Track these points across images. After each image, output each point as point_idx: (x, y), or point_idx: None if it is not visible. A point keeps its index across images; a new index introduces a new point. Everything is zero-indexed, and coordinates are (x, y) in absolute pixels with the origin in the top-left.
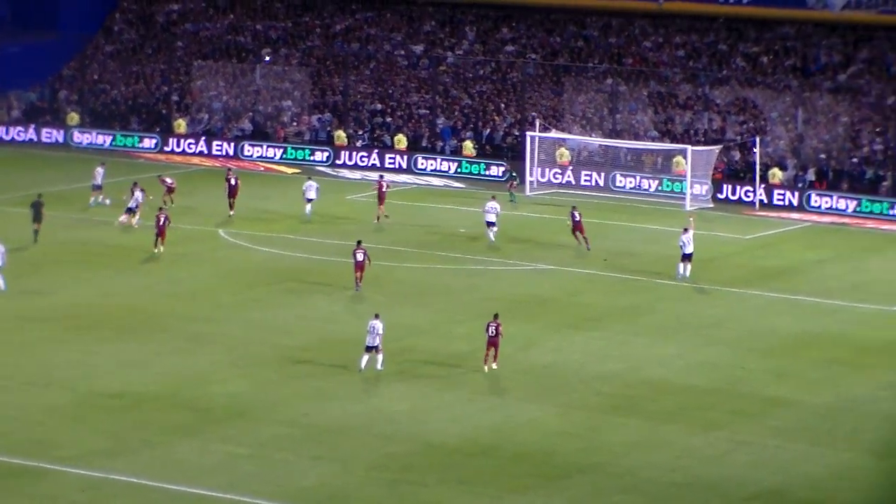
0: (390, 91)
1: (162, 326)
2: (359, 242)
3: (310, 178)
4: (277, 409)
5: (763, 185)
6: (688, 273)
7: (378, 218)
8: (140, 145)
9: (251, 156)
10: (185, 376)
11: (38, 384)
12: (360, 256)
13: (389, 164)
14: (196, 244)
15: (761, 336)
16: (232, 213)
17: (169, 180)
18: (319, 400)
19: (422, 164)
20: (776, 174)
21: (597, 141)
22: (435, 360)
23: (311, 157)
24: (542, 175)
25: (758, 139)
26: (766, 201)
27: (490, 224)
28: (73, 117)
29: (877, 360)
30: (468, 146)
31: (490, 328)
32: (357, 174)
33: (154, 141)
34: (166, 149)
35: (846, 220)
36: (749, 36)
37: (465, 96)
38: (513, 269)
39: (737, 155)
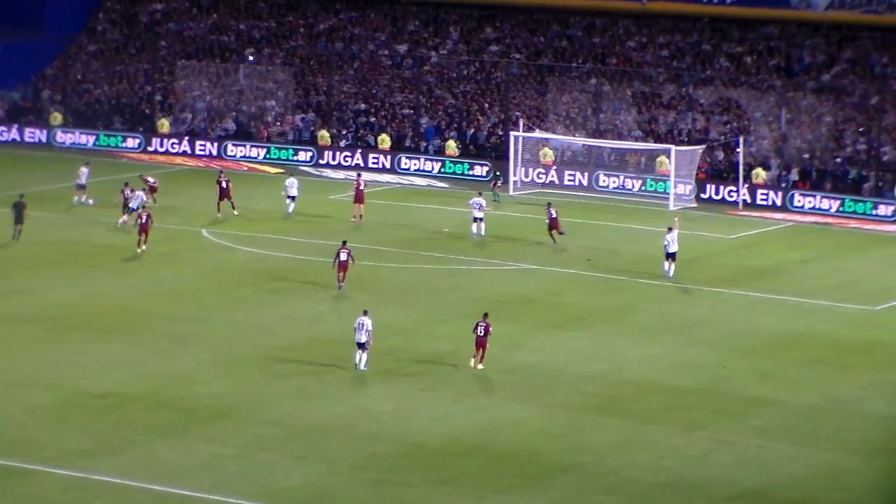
0: (374, 91)
1: (145, 326)
2: (344, 242)
3: (291, 176)
4: (261, 410)
5: (746, 185)
6: (671, 272)
7: (354, 217)
8: (123, 145)
9: (234, 156)
10: (169, 376)
11: (21, 384)
12: (343, 256)
13: (373, 163)
14: (180, 244)
15: (744, 336)
16: (219, 215)
17: (151, 180)
18: (303, 400)
19: (405, 163)
20: (760, 174)
21: (580, 141)
22: (419, 360)
23: (295, 157)
24: (526, 175)
25: (741, 139)
26: (749, 201)
27: (477, 219)
28: (57, 117)
29: (860, 360)
30: (451, 146)
31: (479, 328)
32: (340, 174)
33: (137, 141)
34: (150, 148)
35: (829, 219)
36: (733, 36)
37: (449, 96)
38: (497, 269)
39: (720, 155)
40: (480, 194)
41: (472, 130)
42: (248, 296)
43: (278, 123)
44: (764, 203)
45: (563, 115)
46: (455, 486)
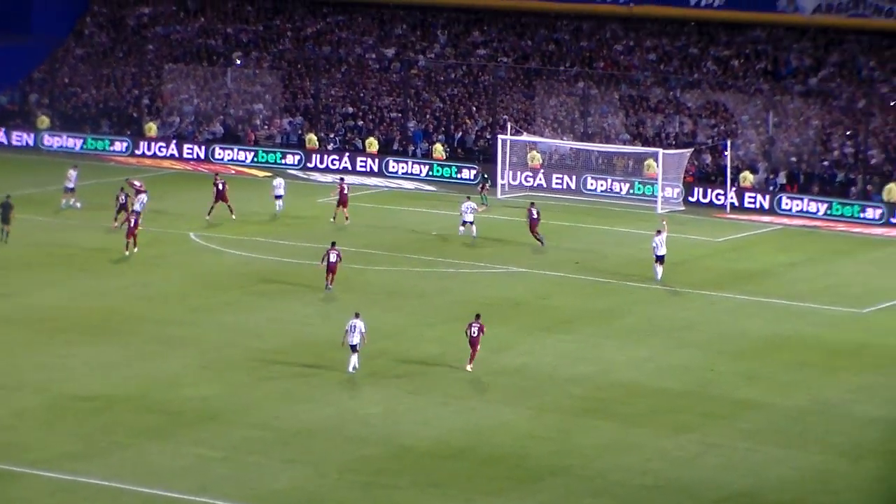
0: (361, 94)
1: (133, 329)
2: (333, 244)
3: (277, 177)
4: (249, 412)
5: (734, 188)
6: (659, 275)
7: (335, 217)
8: (111, 148)
9: (222, 159)
10: (157, 379)
11: (8, 387)
12: (332, 257)
13: (361, 167)
14: (167, 247)
15: (732, 339)
16: (208, 217)
17: (137, 183)
18: (291, 403)
19: (393, 167)
20: (747, 177)
21: (568, 144)
22: (407, 363)
23: (283, 161)
24: (514, 178)
25: (729, 142)
26: (737, 204)
27: (468, 223)
28: (44, 120)
29: (848, 363)
30: (438, 149)
31: (472, 329)
32: (328, 177)
33: (125, 144)
34: (137, 152)
35: (817, 222)
36: (720, 39)
37: (437, 99)
38: (485, 272)
39: (708, 158)
40: (469, 198)
41: (460, 134)
42: (236, 299)
43: (266, 127)
44: (751, 206)
45: (551, 118)
46: (443, 489)
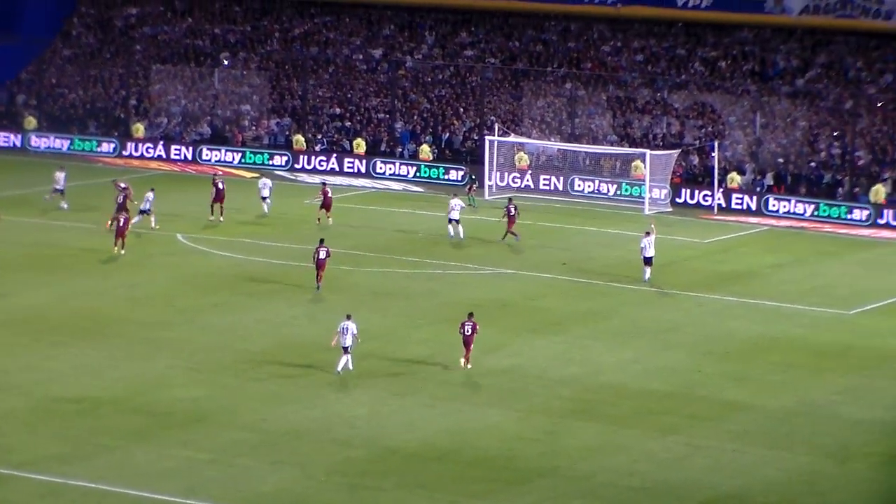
0: (349, 95)
1: (120, 331)
2: (321, 241)
3: (262, 177)
4: (236, 414)
5: (721, 190)
6: (647, 276)
7: (319, 220)
8: (98, 149)
9: (209, 160)
10: (144, 381)
11: None
12: (322, 255)
13: (348, 168)
14: (155, 248)
15: (719, 340)
16: (212, 218)
17: (122, 185)
18: (278, 404)
19: (381, 168)
20: (734, 178)
21: (556, 145)
22: (394, 365)
23: (270, 162)
24: (501, 179)
25: (716, 143)
26: (724, 205)
27: (455, 221)
28: (31, 121)
29: (835, 364)
30: (425, 150)
31: (465, 327)
32: (316, 178)
33: (112, 145)
34: (124, 153)
35: (804, 224)
36: (707, 40)
37: (425, 100)
38: (472, 274)
39: (695, 159)
40: (456, 195)
41: (448, 135)
42: (223, 300)
43: (253, 128)
44: (739, 207)
45: (539, 119)
46: (430, 491)
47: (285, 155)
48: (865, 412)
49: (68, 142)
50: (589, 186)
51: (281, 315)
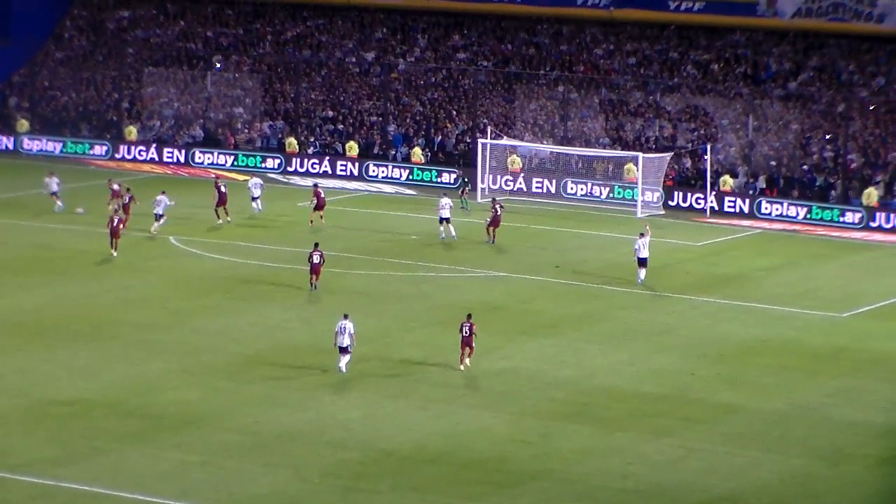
0: (342, 98)
1: (113, 333)
2: (316, 245)
3: (252, 178)
4: (229, 417)
5: (714, 193)
6: (641, 278)
7: (313, 221)
8: (91, 152)
9: (202, 163)
10: (137, 383)
11: None
12: (316, 259)
13: (341, 171)
14: (148, 251)
15: (712, 343)
16: (225, 220)
17: (116, 186)
18: (271, 407)
19: (373, 171)
20: (727, 181)
21: (548, 148)
22: (388, 368)
23: (263, 165)
24: (494, 182)
25: (709, 146)
26: (717, 208)
27: (445, 220)
28: (23, 124)
29: (828, 367)
30: (417, 153)
31: (464, 328)
32: (308, 181)
33: (105, 148)
34: (117, 156)
35: (797, 226)
36: (700, 43)
37: (417, 103)
38: (465, 276)
39: (688, 162)
40: (445, 194)
41: (440, 138)
42: (216, 303)
43: (246, 131)
44: (731, 210)
45: (531, 122)
46: (423, 494)
47: (278, 158)
48: (859, 414)
49: (61, 144)
50: (581, 189)
51: (274, 318)
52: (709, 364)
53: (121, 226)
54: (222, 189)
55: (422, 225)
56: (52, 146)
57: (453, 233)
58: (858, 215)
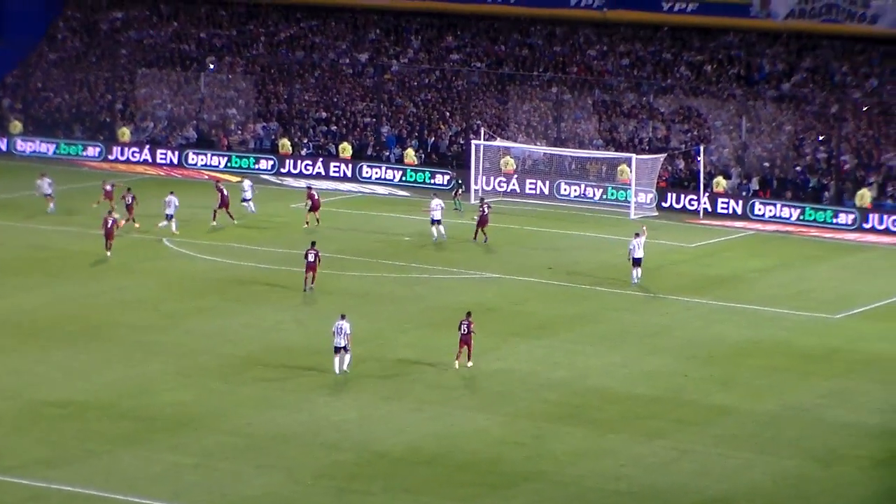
0: (335, 99)
1: (107, 335)
2: (312, 244)
3: (245, 179)
4: (222, 418)
5: (707, 194)
6: (637, 278)
7: (308, 222)
8: (84, 154)
9: (195, 164)
10: (130, 385)
11: None
12: (311, 258)
13: (334, 172)
14: (141, 253)
15: (705, 344)
16: (230, 222)
17: (108, 187)
18: (265, 409)
19: (367, 172)
20: (720, 182)
21: (542, 149)
22: (382, 369)
23: (256, 166)
24: (487, 183)
25: (702, 148)
26: (710, 210)
27: (436, 222)
28: (17, 125)
29: (821, 368)
30: (410, 154)
31: (462, 326)
32: (301, 182)
33: (98, 149)
34: (110, 157)
35: (790, 228)
36: (693, 45)
37: (411, 105)
38: (458, 278)
39: (681, 163)
40: (435, 195)
41: (434, 139)
42: (210, 304)
43: (239, 132)
44: (724, 212)
45: (525, 123)
46: (417, 495)
47: (271, 159)
48: (851, 416)
49: (54, 146)
50: (575, 190)
51: (268, 319)
52: (702, 365)
53: (115, 227)
54: (224, 192)
55: (415, 226)
56: (45, 147)
57: (444, 233)
58: (851, 217)
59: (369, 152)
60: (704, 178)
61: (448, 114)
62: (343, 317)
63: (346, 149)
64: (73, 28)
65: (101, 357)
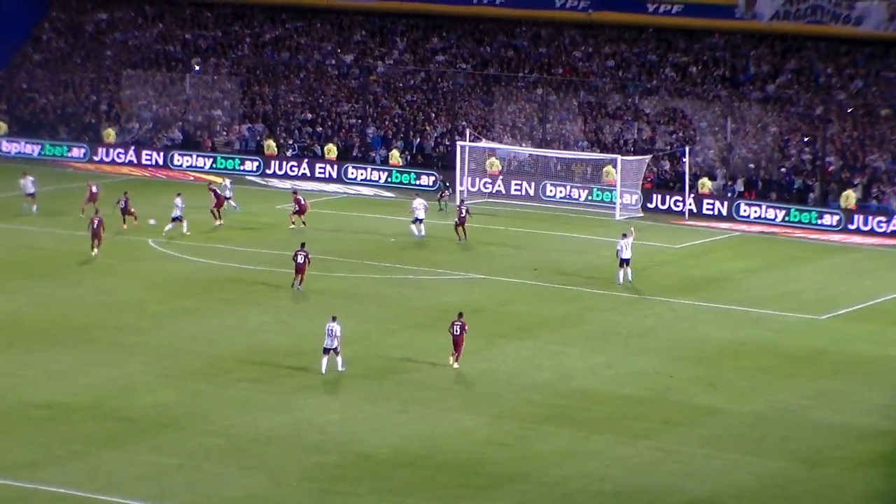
0: (320, 100)
1: (90, 337)
2: (302, 245)
3: (224, 179)
4: (206, 420)
5: (692, 195)
6: (623, 278)
7: (294, 223)
8: (69, 155)
9: (181, 165)
10: (114, 387)
11: None
12: (300, 259)
13: (320, 173)
14: (126, 254)
15: (691, 345)
16: (220, 222)
17: (94, 189)
18: (248, 410)
19: (352, 173)
20: (705, 184)
21: (527, 150)
22: (366, 370)
23: (241, 167)
24: (473, 184)
25: (687, 149)
26: (695, 211)
27: (419, 220)
28: (1, 126)
29: (806, 369)
30: (395, 155)
31: (454, 327)
32: (287, 183)
33: (83, 150)
34: (95, 158)
35: (775, 229)
36: (678, 46)
37: (396, 106)
38: (443, 279)
39: (666, 164)
40: (418, 195)
41: (419, 140)
42: (194, 306)
43: (225, 133)
44: (710, 213)
45: (510, 124)
46: (401, 497)
47: (256, 160)
48: (837, 416)
49: (39, 147)
50: (560, 192)
51: (252, 320)
52: (687, 366)
53: (101, 228)
54: (217, 192)
55: (400, 227)
56: (30, 148)
57: (423, 232)
58: (836, 218)
59: (355, 153)
60: (690, 179)
61: (433, 115)
62: (334, 318)
63: (331, 150)
64: (57, 29)
65: (85, 358)
